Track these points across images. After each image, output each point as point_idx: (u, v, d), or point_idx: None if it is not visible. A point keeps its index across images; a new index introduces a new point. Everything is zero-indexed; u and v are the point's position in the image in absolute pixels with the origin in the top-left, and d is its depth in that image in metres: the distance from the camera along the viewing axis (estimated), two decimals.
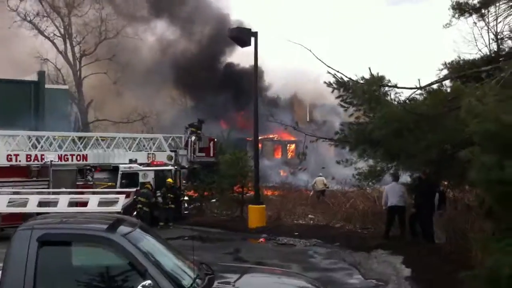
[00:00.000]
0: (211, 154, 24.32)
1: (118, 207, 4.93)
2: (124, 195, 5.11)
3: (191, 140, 23.82)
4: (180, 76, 43.36)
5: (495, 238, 7.64)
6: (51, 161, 19.03)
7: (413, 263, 11.90)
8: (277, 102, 49.68)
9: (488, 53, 12.97)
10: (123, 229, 5.07)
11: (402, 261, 12.37)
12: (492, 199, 7.25)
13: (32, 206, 4.89)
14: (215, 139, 25.19)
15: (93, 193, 5.76)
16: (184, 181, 23.41)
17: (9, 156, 18.98)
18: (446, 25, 12.46)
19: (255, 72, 19.94)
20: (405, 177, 15.65)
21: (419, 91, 11.57)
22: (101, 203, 4.97)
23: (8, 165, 18.75)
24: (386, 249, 13.70)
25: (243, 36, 19.51)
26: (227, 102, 42.94)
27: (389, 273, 11.83)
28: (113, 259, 4.88)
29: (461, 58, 12.12)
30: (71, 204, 5.02)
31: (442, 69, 11.85)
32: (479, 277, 6.68)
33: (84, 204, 5.04)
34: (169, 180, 20.60)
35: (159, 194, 20.11)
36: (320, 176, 27.17)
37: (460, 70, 11.52)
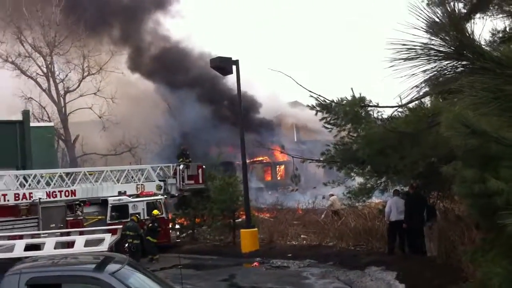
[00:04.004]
0: (200, 181, 24.27)
1: (104, 246, 4.94)
2: (110, 234, 5.11)
3: (179, 169, 23.85)
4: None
5: (483, 250, 7.72)
6: (40, 198, 18.90)
7: (406, 278, 11.93)
8: (265, 125, 49.94)
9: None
10: (111, 267, 5.07)
11: (395, 276, 12.40)
12: (476, 211, 7.36)
13: (18, 251, 4.88)
14: (203, 166, 25.16)
15: (80, 233, 5.76)
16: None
17: None
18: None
19: (239, 98, 20.11)
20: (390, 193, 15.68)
21: (400, 109, 11.71)
22: (87, 243, 4.97)
23: None
24: (380, 265, 13.71)
25: (225, 65, 19.66)
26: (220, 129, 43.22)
27: None
28: None
29: (441, 74, 12.26)
30: (58, 245, 5.00)
31: (422, 86, 11.96)
32: None
33: (72, 243, 5.01)
34: (155, 211, 19.86)
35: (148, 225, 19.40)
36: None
37: (440, 86, 11.65)
